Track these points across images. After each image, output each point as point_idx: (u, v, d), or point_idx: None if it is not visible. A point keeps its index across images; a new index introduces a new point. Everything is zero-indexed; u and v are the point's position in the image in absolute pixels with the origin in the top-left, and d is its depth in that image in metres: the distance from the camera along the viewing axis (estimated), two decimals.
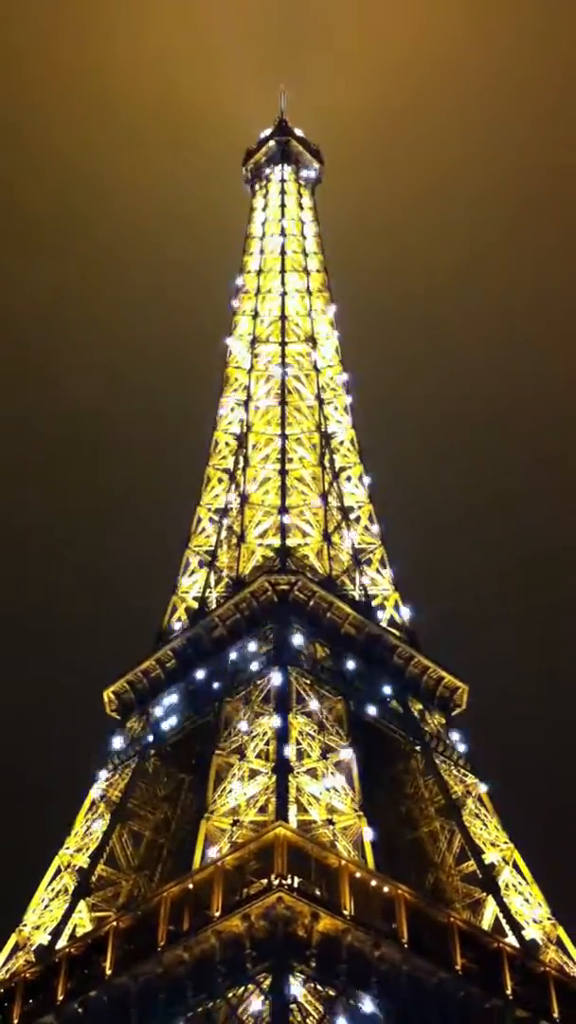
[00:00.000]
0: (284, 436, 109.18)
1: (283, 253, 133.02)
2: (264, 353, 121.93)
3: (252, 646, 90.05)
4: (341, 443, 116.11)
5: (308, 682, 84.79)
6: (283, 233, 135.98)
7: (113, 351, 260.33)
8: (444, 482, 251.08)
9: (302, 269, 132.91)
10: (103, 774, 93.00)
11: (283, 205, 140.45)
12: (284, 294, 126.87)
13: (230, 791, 76.88)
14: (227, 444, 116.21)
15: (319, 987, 59.87)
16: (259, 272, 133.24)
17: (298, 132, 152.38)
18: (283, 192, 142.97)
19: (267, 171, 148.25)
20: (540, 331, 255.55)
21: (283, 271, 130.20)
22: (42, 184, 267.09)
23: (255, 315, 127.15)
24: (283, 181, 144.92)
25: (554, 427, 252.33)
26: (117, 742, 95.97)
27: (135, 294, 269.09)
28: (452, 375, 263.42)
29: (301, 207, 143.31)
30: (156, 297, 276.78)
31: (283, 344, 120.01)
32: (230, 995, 59.77)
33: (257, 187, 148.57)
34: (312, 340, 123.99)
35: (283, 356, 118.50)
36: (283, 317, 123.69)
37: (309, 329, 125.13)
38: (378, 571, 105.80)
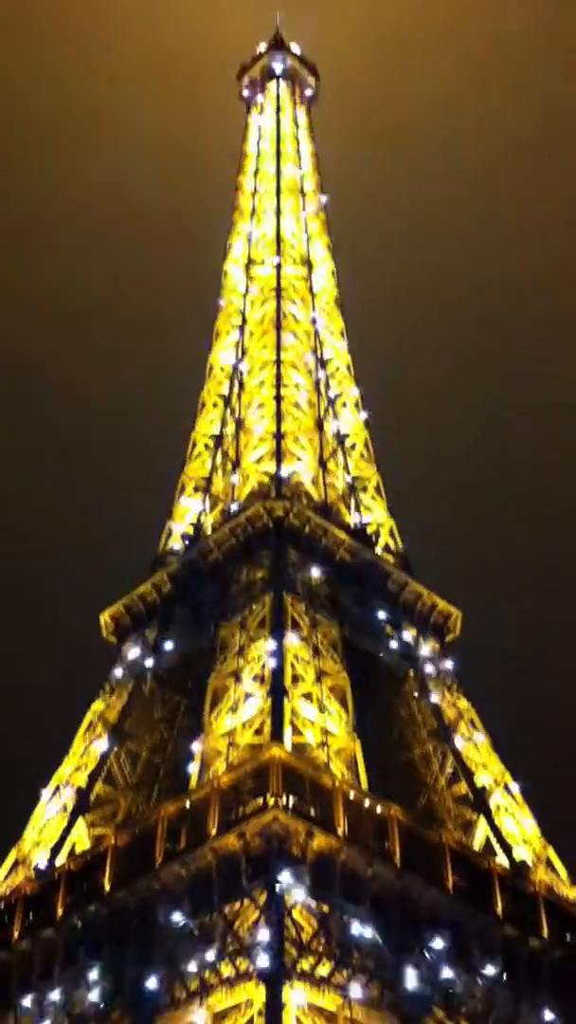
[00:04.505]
0: (279, 361, 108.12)
1: (278, 173, 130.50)
2: (259, 276, 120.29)
3: (247, 571, 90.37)
4: (337, 369, 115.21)
5: (303, 607, 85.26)
6: (279, 153, 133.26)
7: (109, 262, 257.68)
8: (442, 410, 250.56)
9: (298, 190, 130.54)
10: (101, 697, 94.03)
11: (278, 123, 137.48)
12: (279, 215, 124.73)
13: (226, 713, 77.77)
14: (222, 369, 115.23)
15: (313, 903, 61.09)
16: (254, 193, 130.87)
17: (294, 47, 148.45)
18: (278, 110, 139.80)
19: (262, 88, 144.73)
20: (537, 257, 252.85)
21: (278, 192, 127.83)
22: (38, 104, 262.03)
23: (250, 237, 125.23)
24: (278, 98, 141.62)
25: (555, 353, 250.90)
26: (114, 666, 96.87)
27: (129, 211, 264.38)
28: (450, 300, 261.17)
29: (297, 125, 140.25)
30: (150, 218, 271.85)
31: (278, 267, 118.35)
32: (226, 910, 61.12)
33: (252, 105, 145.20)
34: (308, 263, 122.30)
35: (278, 280, 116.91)
36: (278, 239, 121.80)
37: (305, 251, 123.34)
38: (373, 498, 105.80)
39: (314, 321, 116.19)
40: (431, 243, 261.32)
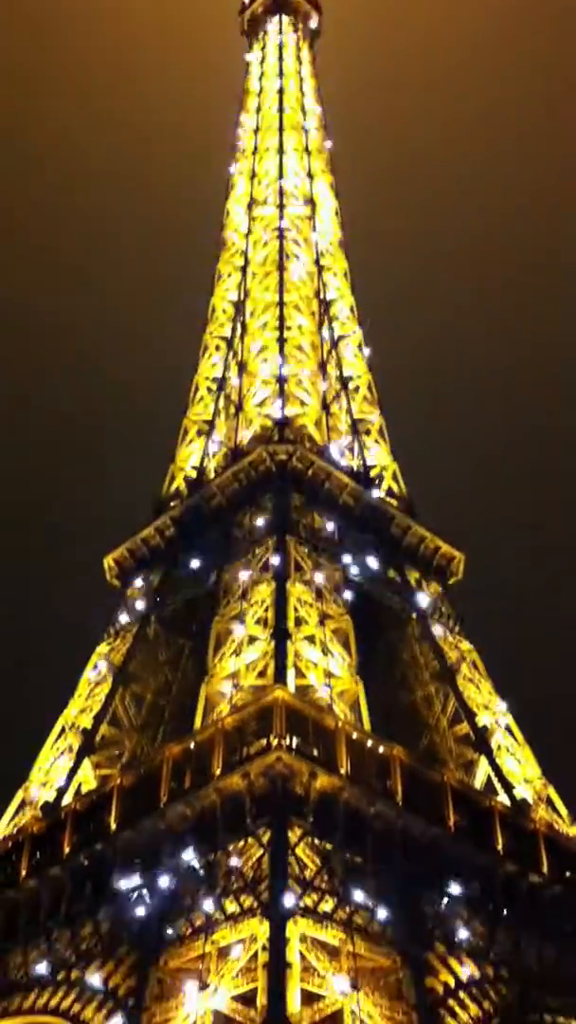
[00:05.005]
0: (282, 303, 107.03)
1: (280, 111, 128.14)
2: (262, 216, 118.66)
3: (251, 515, 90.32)
4: (341, 310, 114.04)
5: (306, 551, 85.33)
6: (281, 90, 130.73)
7: (108, 211, 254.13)
8: (443, 353, 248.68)
9: (300, 127, 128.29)
10: (105, 640, 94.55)
11: (281, 59, 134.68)
12: (282, 153, 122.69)
13: (230, 656, 78.19)
14: (224, 311, 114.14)
15: (317, 841, 61.90)
16: (256, 131, 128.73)
17: None
18: (281, 45, 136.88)
19: (264, 23, 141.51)
20: (540, 195, 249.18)
21: (280, 129, 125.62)
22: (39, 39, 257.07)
23: (252, 176, 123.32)
24: (280, 33, 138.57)
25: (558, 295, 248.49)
26: (118, 609, 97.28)
27: (128, 153, 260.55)
28: (456, 239, 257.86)
29: (300, 61, 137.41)
30: (150, 160, 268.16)
31: (281, 207, 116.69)
32: (231, 848, 61.90)
33: (254, 41, 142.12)
34: (311, 202, 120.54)
35: (281, 219, 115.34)
36: (281, 178, 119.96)
37: (308, 191, 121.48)
38: (376, 441, 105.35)
39: (317, 262, 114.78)
40: (434, 184, 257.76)
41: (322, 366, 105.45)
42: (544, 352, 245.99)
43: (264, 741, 63.77)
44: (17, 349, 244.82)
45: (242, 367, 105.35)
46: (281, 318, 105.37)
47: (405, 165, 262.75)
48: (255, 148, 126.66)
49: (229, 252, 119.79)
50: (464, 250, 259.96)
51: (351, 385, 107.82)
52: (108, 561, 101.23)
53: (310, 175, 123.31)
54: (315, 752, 64.87)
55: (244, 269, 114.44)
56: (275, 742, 62.58)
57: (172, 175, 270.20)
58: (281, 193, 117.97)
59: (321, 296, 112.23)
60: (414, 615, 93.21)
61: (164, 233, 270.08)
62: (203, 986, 56.15)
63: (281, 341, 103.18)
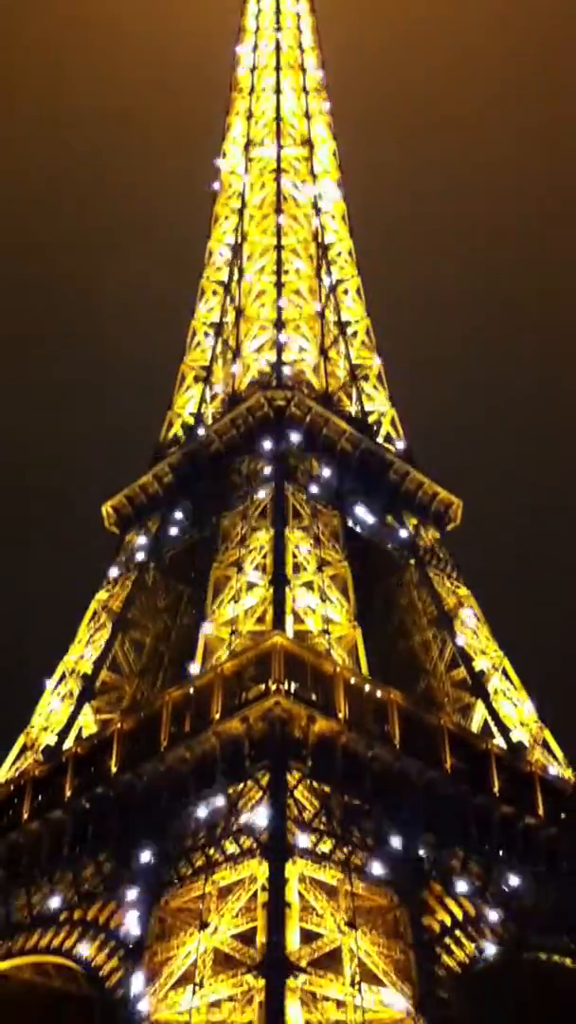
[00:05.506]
0: (280, 247, 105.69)
1: (277, 49, 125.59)
2: (259, 158, 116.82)
3: (249, 461, 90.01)
4: (339, 254, 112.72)
5: (304, 497, 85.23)
6: (278, 28, 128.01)
7: (102, 150, 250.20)
8: (444, 299, 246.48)
9: (298, 66, 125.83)
10: (104, 587, 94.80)
11: None
12: (279, 92, 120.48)
13: (229, 602, 78.44)
14: (221, 255, 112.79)
15: (315, 784, 62.58)
16: (253, 69, 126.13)
17: None
18: None
19: None
20: (548, 109, 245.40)
21: (278, 68, 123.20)
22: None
23: (249, 116, 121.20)
24: None
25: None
26: (117, 556, 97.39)
27: (129, 83, 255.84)
28: (459, 177, 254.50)
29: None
30: (154, 91, 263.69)
31: (278, 148, 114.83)
32: (230, 791, 62.59)
33: None
34: (309, 143, 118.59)
35: (278, 160, 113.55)
36: (278, 118, 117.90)
37: (305, 131, 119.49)
38: (375, 387, 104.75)
39: (315, 204, 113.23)
40: (435, 124, 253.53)
41: (320, 311, 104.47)
42: (549, 296, 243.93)
43: (263, 686, 64.27)
44: (20, 293, 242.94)
45: (239, 312, 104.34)
46: (279, 262, 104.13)
47: (405, 103, 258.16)
48: (252, 87, 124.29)
49: (226, 195, 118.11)
50: (467, 190, 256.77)
51: (349, 330, 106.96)
52: (106, 508, 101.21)
53: (308, 115, 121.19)
54: (313, 697, 65.38)
55: (241, 212, 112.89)
56: (274, 687, 63.03)
57: (172, 109, 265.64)
58: (278, 134, 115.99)
59: (319, 239, 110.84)
60: (412, 561, 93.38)
61: (162, 175, 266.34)
62: (203, 925, 57.11)
63: (279, 285, 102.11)
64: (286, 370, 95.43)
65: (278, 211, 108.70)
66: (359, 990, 54.65)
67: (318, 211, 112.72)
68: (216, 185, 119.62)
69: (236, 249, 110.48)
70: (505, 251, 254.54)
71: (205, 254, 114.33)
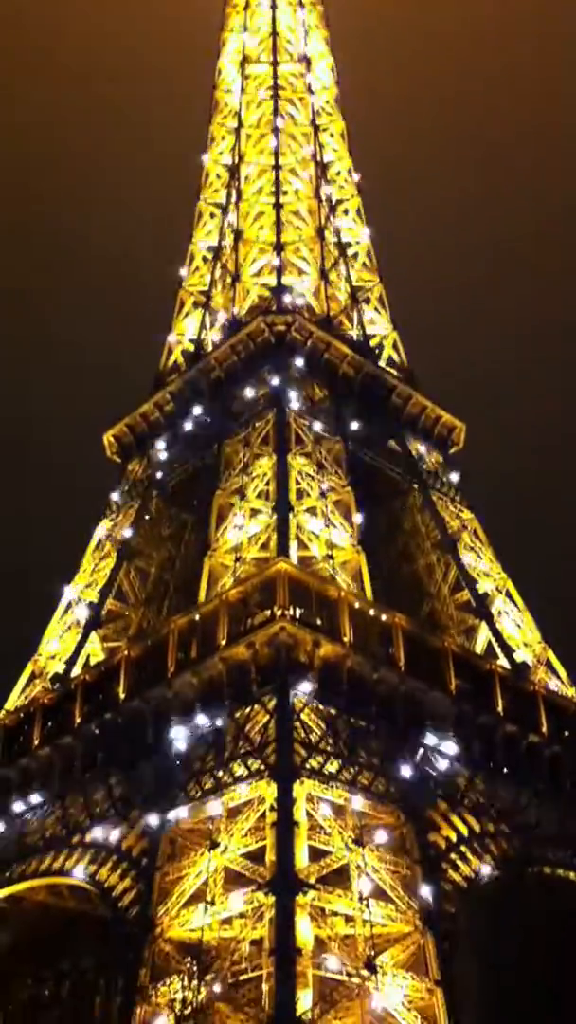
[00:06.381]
0: (278, 167, 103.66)
1: None
2: (255, 75, 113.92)
3: (250, 388, 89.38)
4: (338, 173, 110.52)
5: (306, 423, 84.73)
6: None
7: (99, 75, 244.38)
8: (445, 217, 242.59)
9: None
10: (107, 516, 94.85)
11: None
12: (274, 7, 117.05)
13: (232, 530, 78.51)
14: (218, 176, 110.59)
15: (321, 707, 63.27)
16: None
17: None
18: None
19: None
20: (547, 35, 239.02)
21: None
22: None
23: (244, 31, 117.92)
24: None
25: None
26: (119, 485, 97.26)
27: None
28: (457, 97, 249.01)
29: None
30: (148, 16, 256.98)
31: (274, 64, 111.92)
32: (237, 715, 63.33)
33: None
34: (306, 59, 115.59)
35: (275, 78, 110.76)
36: (274, 34, 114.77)
37: (302, 47, 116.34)
38: (377, 310, 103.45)
39: (313, 122, 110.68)
40: (435, 39, 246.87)
41: (320, 232, 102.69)
42: (546, 205, 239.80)
43: (268, 612, 64.61)
44: (21, 241, 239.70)
45: (238, 235, 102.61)
46: (277, 182, 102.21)
47: (404, 23, 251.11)
48: (246, 2, 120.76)
49: (221, 114, 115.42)
50: (466, 110, 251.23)
51: (350, 252, 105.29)
52: (107, 437, 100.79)
53: (304, 30, 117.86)
54: (318, 621, 65.81)
55: (237, 131, 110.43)
56: (279, 612, 63.38)
57: (169, 32, 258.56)
58: (274, 50, 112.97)
59: (318, 158, 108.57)
60: (415, 485, 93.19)
61: (158, 100, 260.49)
62: (213, 845, 58.17)
63: (277, 207, 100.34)
64: (286, 294, 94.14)
65: (276, 130, 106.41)
66: (367, 905, 55.80)
67: (316, 129, 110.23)
68: (213, 102, 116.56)
69: (233, 170, 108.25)
70: (506, 171, 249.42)
71: (202, 175, 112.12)
